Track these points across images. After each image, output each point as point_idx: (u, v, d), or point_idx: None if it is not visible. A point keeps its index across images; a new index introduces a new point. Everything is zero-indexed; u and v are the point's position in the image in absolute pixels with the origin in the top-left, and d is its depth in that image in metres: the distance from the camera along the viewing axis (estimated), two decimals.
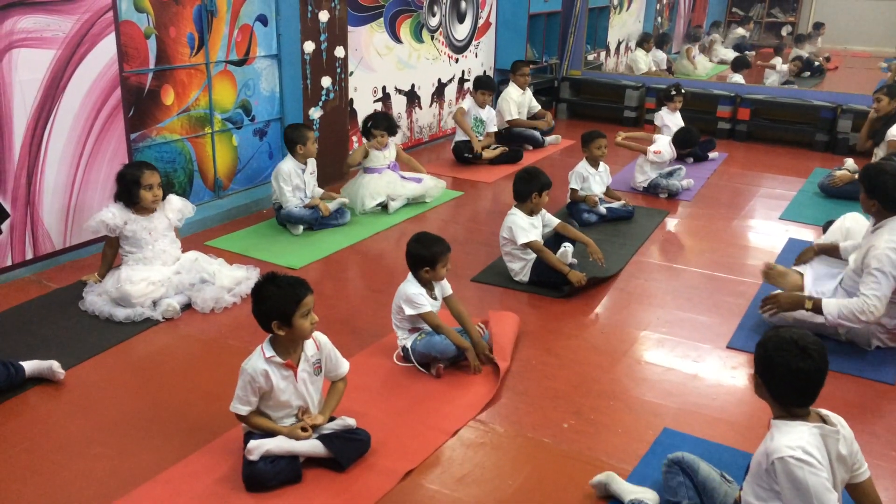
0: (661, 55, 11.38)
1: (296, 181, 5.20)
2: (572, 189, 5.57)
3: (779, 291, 3.92)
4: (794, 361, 2.17)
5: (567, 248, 4.34)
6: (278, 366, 2.75)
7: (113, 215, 4.05)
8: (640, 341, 3.88)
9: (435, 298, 3.56)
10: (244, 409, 2.75)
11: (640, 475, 2.78)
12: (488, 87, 7.09)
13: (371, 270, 4.83)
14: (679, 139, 6.35)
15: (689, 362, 3.68)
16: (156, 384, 3.38)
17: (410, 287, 3.50)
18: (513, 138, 7.52)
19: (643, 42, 11.03)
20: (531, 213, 4.44)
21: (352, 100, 6.50)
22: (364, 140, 5.77)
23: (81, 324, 3.85)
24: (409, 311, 3.46)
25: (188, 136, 5.26)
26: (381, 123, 5.65)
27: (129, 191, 4.06)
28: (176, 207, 4.27)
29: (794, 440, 2.15)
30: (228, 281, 4.17)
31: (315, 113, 5.97)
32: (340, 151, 6.27)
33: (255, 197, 5.69)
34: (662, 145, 6.25)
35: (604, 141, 5.54)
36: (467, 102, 7.24)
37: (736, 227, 5.59)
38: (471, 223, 5.61)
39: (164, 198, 4.19)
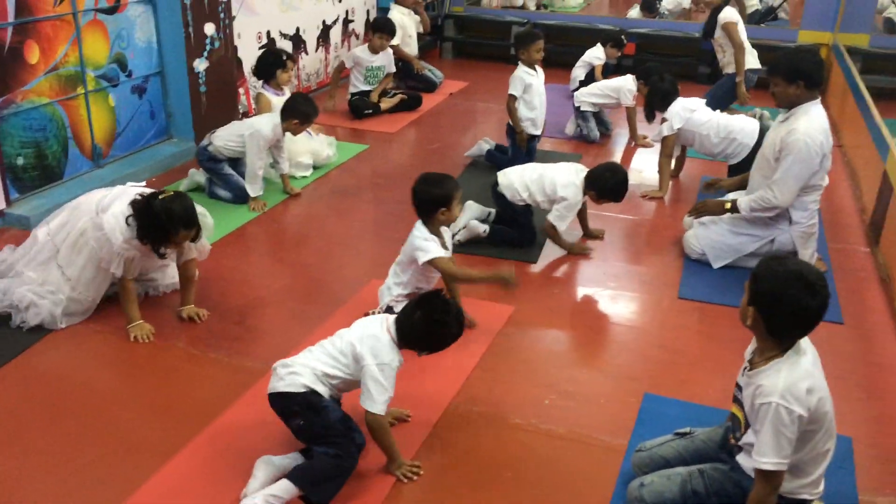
0: None
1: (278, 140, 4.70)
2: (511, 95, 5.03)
3: (706, 199, 4.18)
4: (803, 299, 2.01)
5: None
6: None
7: (128, 247, 3.21)
8: (594, 300, 3.77)
9: (446, 248, 3.27)
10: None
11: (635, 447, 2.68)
12: (388, 31, 6.44)
13: (295, 240, 4.43)
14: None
15: (648, 318, 3.62)
16: (82, 401, 2.92)
17: (419, 233, 3.20)
18: (410, 76, 7.18)
19: None
20: None
21: (236, 47, 5.90)
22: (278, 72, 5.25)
23: None
24: (422, 259, 3.15)
25: (59, 99, 4.56)
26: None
27: (160, 238, 3.20)
28: (191, 256, 3.45)
29: (789, 380, 2.05)
30: None
31: (200, 65, 5.37)
32: (229, 108, 5.71)
33: (140, 164, 5.08)
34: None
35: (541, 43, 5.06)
36: (353, 54, 6.45)
37: (649, 163, 5.56)
38: (383, 179, 5.28)
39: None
